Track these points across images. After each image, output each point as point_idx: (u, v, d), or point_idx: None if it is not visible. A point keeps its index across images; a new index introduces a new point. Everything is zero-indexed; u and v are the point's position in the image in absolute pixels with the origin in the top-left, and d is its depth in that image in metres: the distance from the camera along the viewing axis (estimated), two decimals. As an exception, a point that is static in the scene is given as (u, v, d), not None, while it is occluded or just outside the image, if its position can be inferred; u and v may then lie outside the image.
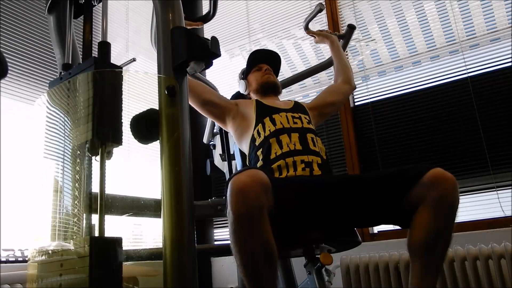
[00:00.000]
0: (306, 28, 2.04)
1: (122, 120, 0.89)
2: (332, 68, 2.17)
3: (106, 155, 0.84)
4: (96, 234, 0.80)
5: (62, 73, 1.00)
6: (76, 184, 0.86)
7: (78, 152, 0.86)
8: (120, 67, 0.95)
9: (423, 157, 2.39)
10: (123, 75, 0.93)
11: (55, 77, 2.45)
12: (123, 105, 0.91)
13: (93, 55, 1.05)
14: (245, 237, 1.06)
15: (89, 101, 0.85)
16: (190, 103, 1.66)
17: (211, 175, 2.19)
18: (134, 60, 0.93)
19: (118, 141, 0.87)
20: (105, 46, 0.95)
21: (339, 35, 2.09)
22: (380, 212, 1.29)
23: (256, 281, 1.08)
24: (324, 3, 1.98)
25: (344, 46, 2.09)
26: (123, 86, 0.92)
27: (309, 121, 1.66)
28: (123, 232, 0.86)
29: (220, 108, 1.69)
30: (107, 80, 0.90)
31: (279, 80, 1.94)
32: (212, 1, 1.58)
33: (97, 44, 0.98)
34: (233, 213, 1.05)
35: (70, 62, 1.08)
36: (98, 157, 0.83)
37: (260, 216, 1.06)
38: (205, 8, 3.46)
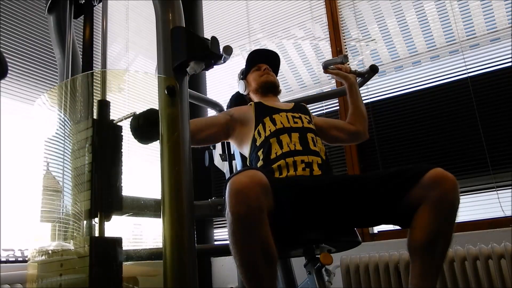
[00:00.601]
0: (325, 68, 1.89)
1: (123, 119, 0.89)
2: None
3: (105, 218, 0.82)
4: (96, 234, 0.80)
5: None
6: (76, 182, 0.86)
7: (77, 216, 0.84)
8: (121, 127, 0.91)
9: (423, 157, 2.39)
10: (123, 75, 0.93)
11: (55, 77, 2.46)
12: (123, 105, 0.91)
13: (93, 56, 1.05)
14: (244, 238, 1.06)
15: (89, 167, 0.82)
16: None
17: (209, 167, 2.19)
18: (134, 114, 0.91)
19: (118, 208, 0.84)
20: (103, 105, 0.90)
21: (358, 73, 1.92)
22: (380, 212, 1.29)
23: (256, 282, 1.08)
24: (347, 56, 1.86)
25: (361, 85, 1.96)
26: (123, 86, 0.92)
27: (310, 120, 1.66)
28: (123, 232, 0.85)
29: (219, 134, 1.67)
30: (107, 138, 0.87)
31: (287, 98, 1.91)
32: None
33: (97, 45, 0.97)
34: (232, 214, 1.05)
35: (69, 68, 1.07)
36: (97, 219, 0.82)
37: (259, 216, 1.06)
38: (205, 8, 3.46)
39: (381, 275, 2.02)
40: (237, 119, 1.69)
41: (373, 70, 1.91)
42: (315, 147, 1.54)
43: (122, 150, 0.88)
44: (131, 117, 0.91)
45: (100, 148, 0.85)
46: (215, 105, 2.20)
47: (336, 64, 1.88)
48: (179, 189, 0.89)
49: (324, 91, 2.81)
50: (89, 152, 0.84)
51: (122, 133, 0.89)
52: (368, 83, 2.64)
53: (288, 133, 1.55)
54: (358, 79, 1.94)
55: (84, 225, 0.81)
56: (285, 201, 1.20)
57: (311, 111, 1.82)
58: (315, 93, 2.84)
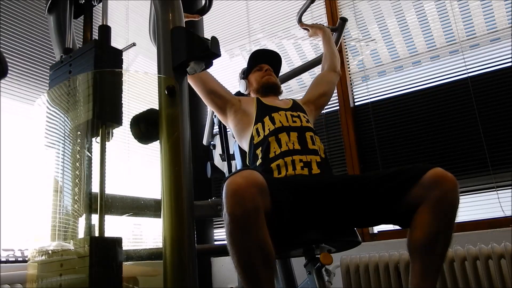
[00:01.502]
0: (299, 21, 2.08)
1: (123, 122, 0.89)
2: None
3: (106, 136, 0.84)
4: (96, 234, 0.80)
5: (63, 57, 1.00)
6: (76, 181, 0.86)
7: (79, 132, 0.86)
8: (121, 50, 0.96)
9: (423, 157, 2.39)
10: (123, 76, 0.93)
11: (55, 77, 2.44)
12: (123, 105, 0.91)
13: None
14: (241, 238, 1.06)
15: (88, 82, 0.86)
16: (195, 89, 1.69)
17: (211, 177, 2.19)
18: (134, 44, 0.94)
19: (117, 121, 0.87)
20: (105, 29, 0.96)
21: (332, 28, 2.14)
22: (380, 212, 1.29)
23: (254, 282, 1.08)
24: None
25: (338, 38, 2.13)
26: (123, 86, 0.92)
27: (308, 120, 1.67)
28: (123, 232, 0.85)
29: (224, 100, 1.71)
30: (106, 61, 0.91)
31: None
32: None
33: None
34: (229, 215, 1.05)
35: (70, 45, 1.09)
36: (98, 139, 0.84)
37: (256, 217, 1.06)
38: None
39: (381, 275, 2.02)
40: (243, 106, 1.72)
41: (344, 20, 2.14)
42: (314, 146, 1.54)
43: (122, 78, 0.92)
44: (132, 113, 0.92)
45: (101, 62, 0.89)
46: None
47: (308, 6, 2.07)
48: (179, 189, 0.89)
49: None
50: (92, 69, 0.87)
51: (122, 57, 0.94)
52: (368, 82, 2.65)
53: (287, 132, 1.55)
54: (333, 35, 2.13)
55: (84, 220, 0.81)
56: (283, 201, 1.20)
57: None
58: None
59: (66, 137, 0.92)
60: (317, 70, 2.88)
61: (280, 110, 1.65)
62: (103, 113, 0.86)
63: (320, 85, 1.91)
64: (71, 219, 0.85)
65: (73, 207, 0.85)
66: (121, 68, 0.94)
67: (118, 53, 0.95)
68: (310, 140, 1.55)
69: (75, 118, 0.88)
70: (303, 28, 2.15)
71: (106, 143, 0.86)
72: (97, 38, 0.96)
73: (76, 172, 0.86)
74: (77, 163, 0.87)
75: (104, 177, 0.83)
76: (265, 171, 1.45)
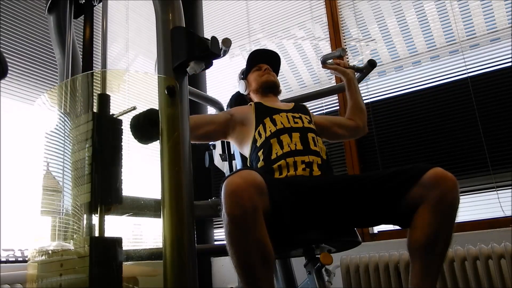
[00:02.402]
0: (323, 63, 1.89)
1: (123, 120, 0.89)
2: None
3: (106, 211, 0.82)
4: (96, 234, 0.80)
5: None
6: (76, 183, 0.86)
7: (77, 210, 0.84)
8: (121, 120, 0.91)
9: (423, 157, 2.39)
10: (123, 75, 0.93)
11: (55, 77, 2.45)
12: (123, 105, 0.91)
13: (93, 56, 1.05)
14: (240, 238, 1.06)
15: (89, 160, 0.83)
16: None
17: (209, 167, 2.19)
18: (134, 108, 0.91)
19: (117, 201, 0.85)
20: (104, 99, 0.90)
21: (357, 68, 1.92)
22: (380, 212, 1.29)
23: (253, 282, 1.08)
24: (344, 49, 1.86)
25: (359, 81, 1.96)
26: (123, 87, 0.92)
27: (310, 120, 1.67)
28: (123, 232, 0.85)
29: (218, 132, 1.69)
30: (107, 132, 0.87)
31: (287, 97, 1.92)
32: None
33: (97, 44, 0.97)
34: (228, 215, 1.05)
35: (69, 69, 1.07)
36: (97, 214, 0.82)
37: (255, 217, 1.06)
38: (205, 7, 3.47)
39: (381, 275, 2.02)
40: (237, 119, 1.69)
41: (372, 65, 1.91)
42: (316, 147, 1.54)
43: (122, 145, 0.88)
44: (132, 113, 0.91)
45: (100, 142, 0.85)
46: (215, 103, 2.20)
47: (335, 57, 1.87)
48: (179, 189, 0.89)
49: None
50: (89, 145, 0.84)
51: (122, 127, 0.89)
52: (368, 82, 2.65)
53: (288, 133, 1.55)
54: (357, 75, 1.94)
55: (85, 220, 0.80)
56: (282, 201, 1.19)
57: (310, 110, 1.83)
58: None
59: (66, 137, 0.92)
60: (319, 74, 2.88)
61: (281, 112, 1.65)
62: (102, 196, 0.83)
63: (340, 128, 1.82)
64: (71, 219, 0.85)
65: (73, 207, 0.85)
66: (121, 138, 0.88)
67: (117, 123, 0.89)
68: (312, 141, 1.55)
69: (73, 195, 0.85)
70: (326, 69, 1.93)
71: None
72: (97, 38, 0.96)
73: (76, 172, 0.86)
74: (77, 163, 0.86)
75: (104, 224, 0.82)
76: (266, 172, 1.45)
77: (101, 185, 0.83)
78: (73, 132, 0.89)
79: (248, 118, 1.67)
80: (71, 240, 0.83)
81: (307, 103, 1.99)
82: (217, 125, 1.67)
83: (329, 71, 1.92)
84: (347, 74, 1.86)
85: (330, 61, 1.89)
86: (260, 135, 1.59)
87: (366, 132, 1.87)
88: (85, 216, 0.81)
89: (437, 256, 1.19)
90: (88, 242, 0.78)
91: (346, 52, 1.88)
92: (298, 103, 1.81)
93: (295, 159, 1.47)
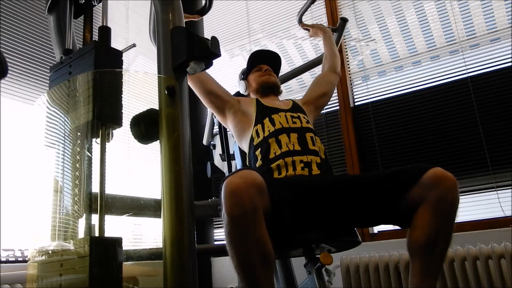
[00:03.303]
0: (300, 21, 2.08)
1: (123, 120, 0.89)
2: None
3: (106, 137, 0.84)
4: (96, 234, 0.80)
5: (63, 58, 1.00)
6: (76, 182, 0.86)
7: (79, 133, 0.86)
8: (121, 51, 0.97)
9: (423, 157, 2.39)
10: (123, 76, 0.93)
11: (55, 77, 2.44)
12: (123, 105, 0.91)
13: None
14: (240, 239, 1.06)
15: (88, 84, 0.86)
16: (194, 90, 1.69)
17: (211, 177, 2.19)
18: (134, 45, 0.94)
19: (117, 122, 0.87)
20: (105, 31, 0.96)
21: (333, 28, 2.14)
22: (380, 212, 1.29)
23: (253, 282, 1.08)
24: None
25: (338, 39, 2.13)
26: (123, 87, 0.92)
27: (308, 120, 1.67)
28: (123, 232, 0.86)
29: (223, 101, 1.71)
30: (106, 62, 0.91)
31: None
32: None
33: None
34: (227, 215, 1.05)
35: (70, 45, 1.09)
36: (98, 140, 0.84)
37: (254, 217, 1.06)
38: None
39: (381, 275, 2.02)
40: (242, 107, 1.72)
41: (344, 20, 2.14)
42: (314, 147, 1.54)
43: (122, 73, 0.92)
44: (131, 110, 0.92)
45: (102, 67, 0.88)
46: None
47: (308, 6, 2.07)
48: (179, 189, 0.89)
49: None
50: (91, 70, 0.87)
51: (122, 58, 0.94)
52: (368, 83, 2.65)
53: (287, 133, 1.55)
54: (334, 36, 2.12)
55: (85, 220, 0.81)
56: (282, 201, 1.19)
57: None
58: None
59: (66, 137, 0.92)
60: (318, 70, 2.89)
61: (280, 111, 1.65)
62: (103, 114, 0.86)
63: (320, 86, 1.90)
64: (71, 219, 0.85)
65: (73, 207, 0.85)
66: (122, 68, 0.94)
67: (118, 54, 0.95)
68: (310, 140, 1.55)
69: (75, 118, 0.88)
70: (304, 29, 2.15)
71: (106, 143, 0.86)
72: (97, 38, 0.96)
73: (76, 172, 0.86)
74: (77, 163, 0.87)
75: (104, 177, 0.83)
76: (265, 172, 1.45)
77: (102, 104, 0.86)
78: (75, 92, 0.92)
79: (249, 110, 1.69)
80: (71, 240, 0.83)
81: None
82: (224, 95, 1.73)
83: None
84: (323, 28, 2.09)
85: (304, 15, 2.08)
86: (258, 134, 1.59)
87: (340, 75, 2.03)
88: (85, 215, 0.81)
89: (437, 256, 1.19)
90: (88, 242, 0.78)
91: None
92: (296, 102, 1.80)
93: (294, 158, 1.47)
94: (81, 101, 0.89)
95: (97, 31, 0.97)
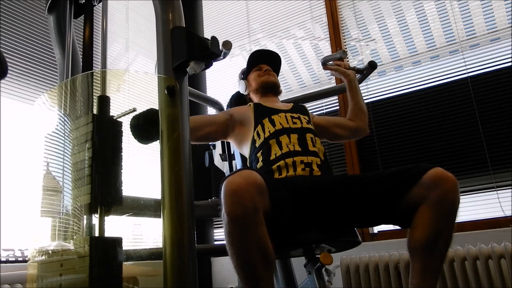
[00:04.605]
0: (324, 64, 1.89)
1: (122, 171, 0.88)
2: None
3: (105, 212, 0.82)
4: (96, 234, 0.80)
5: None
6: (76, 183, 0.86)
7: (77, 211, 0.84)
8: (121, 122, 0.91)
9: (423, 157, 2.39)
10: (123, 76, 0.93)
11: (55, 77, 2.45)
12: (123, 105, 0.91)
13: (93, 56, 1.05)
14: (240, 239, 1.06)
15: (89, 162, 0.83)
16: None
17: (209, 167, 2.19)
18: (134, 110, 0.91)
19: (117, 202, 0.84)
20: (103, 101, 0.90)
21: (357, 69, 1.93)
22: (380, 212, 1.29)
23: (253, 282, 1.08)
24: (345, 51, 1.85)
25: (360, 82, 1.95)
26: (123, 87, 0.92)
27: (309, 121, 1.66)
28: (123, 232, 0.85)
29: (218, 133, 1.69)
30: (107, 133, 0.87)
31: (287, 97, 1.92)
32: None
33: (97, 45, 0.97)
34: (228, 215, 1.05)
35: (69, 69, 1.07)
36: (97, 215, 0.82)
37: (255, 217, 1.06)
38: (206, 8, 3.47)
39: (381, 275, 2.02)
40: (237, 119, 1.70)
41: (372, 66, 1.92)
42: (314, 147, 1.54)
43: (122, 146, 0.88)
44: (132, 114, 0.91)
45: (100, 143, 0.85)
46: (214, 104, 2.20)
47: (335, 59, 1.87)
48: (179, 189, 0.89)
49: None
50: (89, 147, 0.84)
51: (122, 129, 0.89)
52: (368, 82, 2.65)
53: (287, 134, 1.55)
54: (357, 76, 1.94)
55: (85, 221, 0.80)
56: (283, 201, 1.19)
57: (310, 111, 1.83)
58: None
59: (66, 137, 0.92)
60: (319, 74, 2.89)
61: (280, 112, 1.65)
62: (102, 198, 0.82)
63: (340, 128, 1.82)
64: (71, 219, 0.85)
65: (73, 207, 0.85)
66: (121, 139, 0.88)
67: (117, 125, 0.89)
68: (310, 141, 1.55)
69: (73, 197, 0.85)
70: (327, 70, 1.92)
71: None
72: (97, 38, 0.96)
73: (76, 167, 0.86)
74: (77, 164, 0.86)
75: (104, 225, 0.82)
76: (265, 173, 1.45)
77: (101, 186, 0.83)
78: (73, 133, 0.89)
79: (247, 118, 1.68)
80: (71, 240, 0.83)
81: (307, 103, 2.00)
82: (217, 126, 1.67)
83: (329, 72, 1.92)
84: (347, 75, 1.86)
85: (330, 62, 1.89)
86: (259, 135, 1.59)
87: (367, 133, 1.87)
88: (85, 217, 0.81)
89: (437, 256, 1.19)
90: (88, 242, 0.78)
91: (347, 54, 1.87)
92: (298, 104, 1.81)
93: (294, 159, 1.47)
94: (81, 101, 0.88)
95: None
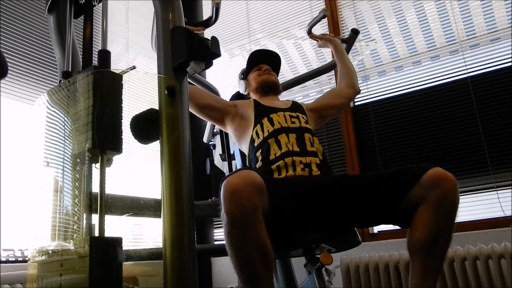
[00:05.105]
0: (309, 32, 2.03)
1: (122, 121, 0.89)
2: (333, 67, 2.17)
3: (106, 162, 0.83)
4: (96, 234, 0.80)
5: (62, 81, 1.00)
6: (76, 184, 0.86)
7: (78, 159, 0.86)
8: (121, 76, 0.95)
9: (423, 157, 2.39)
10: (123, 76, 0.93)
11: (55, 77, 2.45)
12: (123, 105, 0.91)
13: (92, 55, 1.05)
14: (240, 238, 1.06)
15: (88, 110, 0.85)
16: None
17: (211, 174, 2.19)
18: (134, 68, 0.93)
19: (117, 149, 0.86)
20: (104, 55, 0.95)
21: (342, 39, 2.07)
22: (380, 212, 1.29)
23: (253, 282, 1.08)
24: (326, 9, 1.98)
25: (348, 50, 2.07)
26: (123, 87, 0.92)
27: (307, 120, 1.67)
28: (123, 232, 0.85)
29: (219, 111, 1.69)
30: (106, 86, 0.90)
31: (281, 82, 1.93)
32: (214, 8, 1.59)
33: (97, 45, 0.97)
34: (227, 215, 1.05)
35: (69, 69, 1.08)
36: (98, 165, 0.83)
37: (254, 217, 1.06)
38: (206, 8, 3.46)
39: (381, 275, 2.02)
40: (239, 111, 1.71)
41: (355, 32, 2.07)
42: (313, 147, 1.54)
43: (122, 99, 0.91)
44: (131, 108, 0.92)
45: (102, 93, 0.88)
46: (214, 93, 2.19)
47: (319, 21, 2.00)
48: (179, 189, 0.89)
49: (324, 91, 2.81)
50: (90, 96, 0.86)
51: (122, 82, 0.93)
52: (368, 82, 2.65)
53: (286, 133, 1.55)
54: (344, 46, 2.05)
55: (85, 220, 0.81)
56: (282, 201, 1.19)
57: (308, 100, 1.84)
58: (315, 93, 2.85)
59: (66, 137, 0.92)
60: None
61: (279, 111, 1.65)
62: (103, 142, 0.85)
63: (333, 98, 1.87)
64: (71, 219, 0.85)
65: (73, 207, 0.85)
66: (121, 92, 0.92)
67: (118, 78, 0.92)
68: (308, 141, 1.55)
69: (75, 145, 0.87)
70: (313, 39, 2.08)
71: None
72: (96, 39, 0.96)
73: (76, 172, 0.86)
74: (77, 164, 0.87)
75: (104, 176, 0.83)
76: (265, 173, 1.45)
77: (102, 130, 0.85)
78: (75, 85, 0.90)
79: (248, 114, 1.68)
80: (71, 240, 0.83)
81: (308, 97, 2.00)
82: (219, 104, 1.70)
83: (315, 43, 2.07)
84: (333, 40, 1.99)
85: (314, 28, 2.02)
86: (258, 135, 1.59)
87: (359, 91, 1.94)
88: (85, 216, 0.81)
89: (437, 256, 1.18)
90: (88, 242, 0.78)
91: (327, 12, 1.99)
92: (297, 102, 1.80)
93: (294, 159, 1.47)
94: (81, 107, 0.88)
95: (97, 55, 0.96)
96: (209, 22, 1.64)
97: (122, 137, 0.89)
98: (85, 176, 0.84)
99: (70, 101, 0.93)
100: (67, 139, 0.91)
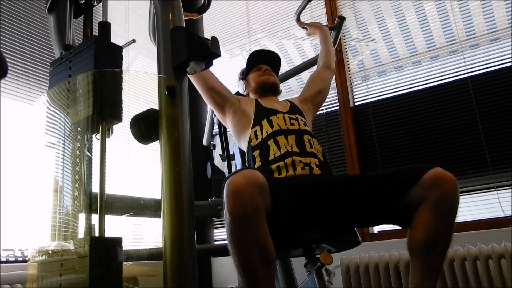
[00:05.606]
0: (298, 20, 2.10)
1: (122, 118, 0.90)
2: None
3: (106, 132, 0.84)
4: (96, 234, 0.80)
5: (63, 53, 1.00)
6: (76, 184, 0.86)
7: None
8: (121, 47, 0.97)
9: (423, 157, 2.39)
10: (123, 76, 0.93)
11: (55, 77, 2.44)
12: (123, 105, 0.91)
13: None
14: (242, 238, 1.06)
15: (88, 79, 0.87)
16: (196, 86, 1.70)
17: (211, 177, 2.19)
18: (134, 41, 0.94)
19: (117, 117, 0.87)
20: (105, 26, 0.96)
21: (331, 26, 2.16)
22: (380, 212, 1.29)
23: (253, 281, 1.08)
24: None
25: (336, 37, 2.15)
26: (123, 87, 0.92)
27: (305, 122, 1.67)
28: (123, 232, 0.85)
29: (223, 98, 1.72)
30: (106, 56, 0.91)
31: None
32: None
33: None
34: (229, 215, 1.05)
35: (70, 43, 1.09)
36: (98, 135, 0.84)
37: (256, 217, 1.06)
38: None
39: (381, 275, 2.02)
40: (242, 106, 1.72)
41: (342, 18, 2.18)
42: (312, 149, 1.54)
43: (122, 69, 0.93)
44: (131, 107, 0.92)
45: (102, 63, 0.90)
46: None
47: (305, 5, 2.11)
48: (179, 189, 0.89)
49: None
50: (91, 66, 0.88)
51: (122, 54, 0.96)
52: (368, 82, 2.65)
53: (284, 135, 1.55)
54: (332, 34, 2.15)
55: (85, 220, 0.81)
56: (283, 200, 1.19)
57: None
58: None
59: (66, 137, 0.92)
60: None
61: (278, 113, 1.65)
62: (103, 110, 0.86)
63: (315, 83, 1.92)
64: (71, 219, 0.85)
65: (73, 207, 0.85)
66: (121, 63, 0.95)
67: (118, 49, 0.95)
68: (308, 143, 1.55)
69: (75, 114, 0.88)
70: (301, 27, 2.17)
71: (106, 141, 0.86)
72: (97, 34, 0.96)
73: (76, 172, 0.86)
74: (77, 164, 0.87)
75: (104, 176, 0.83)
76: (264, 172, 1.45)
77: (102, 100, 0.86)
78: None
79: (249, 110, 1.69)
80: (71, 240, 0.83)
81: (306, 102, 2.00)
82: (224, 91, 1.74)
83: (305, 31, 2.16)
84: (321, 27, 2.10)
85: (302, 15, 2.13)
86: (256, 136, 1.59)
87: (334, 70, 2.04)
88: (85, 216, 0.81)
89: (437, 256, 1.18)
90: (88, 242, 0.77)
91: None
92: (294, 103, 1.80)
93: (293, 158, 1.47)
94: (80, 99, 0.89)
95: (97, 28, 0.97)
96: (203, 8, 1.67)
97: (123, 129, 0.90)
98: (85, 172, 0.84)
99: (70, 95, 0.94)
100: (67, 138, 0.91)
